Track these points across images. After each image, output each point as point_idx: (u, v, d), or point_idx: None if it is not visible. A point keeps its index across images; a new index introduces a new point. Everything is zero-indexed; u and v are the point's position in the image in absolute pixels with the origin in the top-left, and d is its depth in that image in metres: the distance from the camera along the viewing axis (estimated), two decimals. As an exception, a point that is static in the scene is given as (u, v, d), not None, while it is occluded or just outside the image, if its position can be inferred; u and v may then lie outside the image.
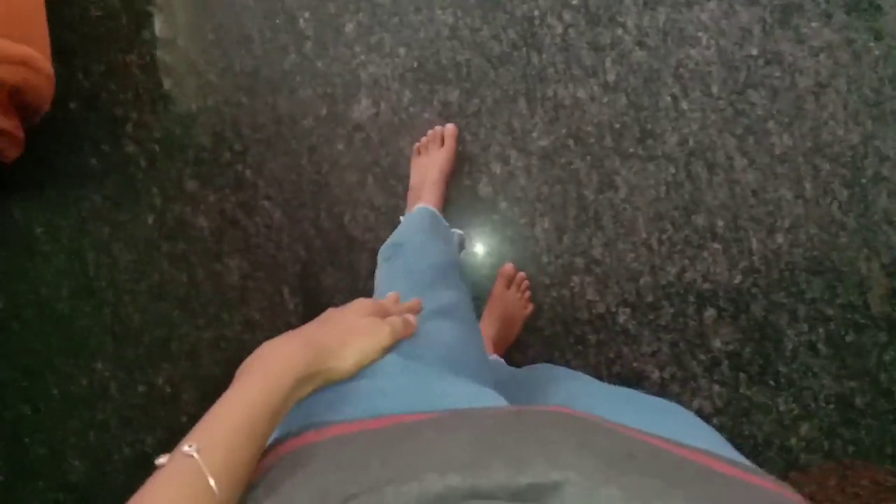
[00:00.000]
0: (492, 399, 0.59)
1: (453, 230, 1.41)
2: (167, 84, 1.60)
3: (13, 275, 1.66)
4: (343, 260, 1.54)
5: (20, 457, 1.67)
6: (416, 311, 0.70)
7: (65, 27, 1.60)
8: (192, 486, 0.39)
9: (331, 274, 1.54)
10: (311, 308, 1.55)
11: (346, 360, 0.56)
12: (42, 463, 1.66)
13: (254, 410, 0.45)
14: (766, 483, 0.41)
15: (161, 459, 0.47)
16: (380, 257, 0.99)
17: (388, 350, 0.60)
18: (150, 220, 1.60)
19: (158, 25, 1.61)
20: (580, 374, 0.88)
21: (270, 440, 0.50)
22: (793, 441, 1.39)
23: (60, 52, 1.51)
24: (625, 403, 0.67)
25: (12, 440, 1.67)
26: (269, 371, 0.49)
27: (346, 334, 0.58)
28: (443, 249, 1.03)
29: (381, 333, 0.60)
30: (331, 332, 0.57)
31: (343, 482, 0.37)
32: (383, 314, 0.64)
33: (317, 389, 0.54)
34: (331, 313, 0.62)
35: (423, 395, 0.57)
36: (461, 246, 1.45)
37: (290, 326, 1.56)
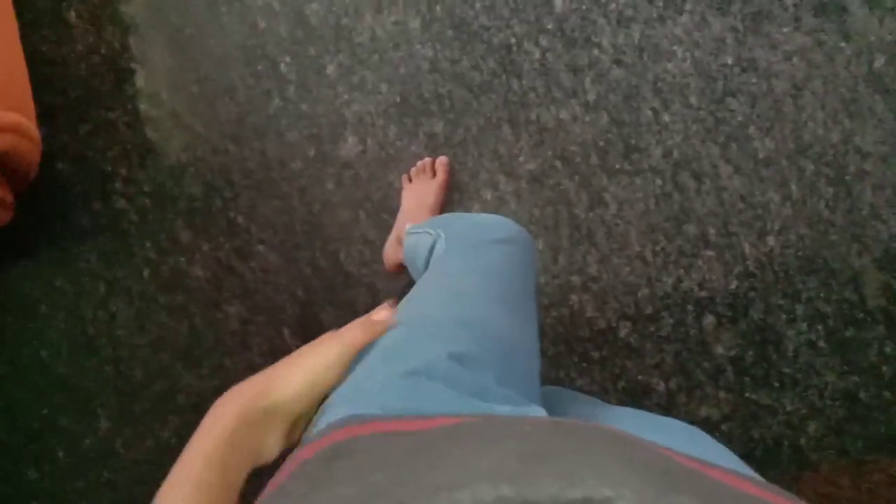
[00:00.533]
0: (532, 408, 0.58)
1: None
2: (154, 138, 1.61)
3: (13, 339, 1.65)
4: (341, 297, 1.54)
5: (30, 523, 1.65)
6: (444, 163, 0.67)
7: (47, 88, 1.61)
8: None
9: (330, 312, 1.55)
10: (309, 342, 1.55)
11: (290, 384, 0.54)
12: (53, 527, 1.64)
13: (197, 464, 0.47)
14: None
15: None
16: (413, 255, 0.97)
17: (344, 362, 0.58)
18: (146, 273, 1.60)
19: (142, 81, 1.62)
20: (592, 398, 0.88)
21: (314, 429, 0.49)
22: (802, 441, 1.39)
23: (45, 114, 1.52)
24: (643, 423, 0.67)
25: (21, 506, 1.65)
26: (214, 417, 0.50)
27: (292, 359, 0.57)
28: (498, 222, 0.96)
29: (326, 347, 0.58)
30: (278, 363, 0.56)
31: (392, 483, 0.36)
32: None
33: (277, 426, 0.53)
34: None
35: (462, 399, 0.55)
36: None
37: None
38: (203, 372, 1.58)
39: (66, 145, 1.64)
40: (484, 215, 1.03)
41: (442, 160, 1.47)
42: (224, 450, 0.47)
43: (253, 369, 1.55)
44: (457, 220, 0.95)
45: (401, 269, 1.40)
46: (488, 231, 0.88)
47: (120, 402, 1.62)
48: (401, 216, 1.47)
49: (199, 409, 1.56)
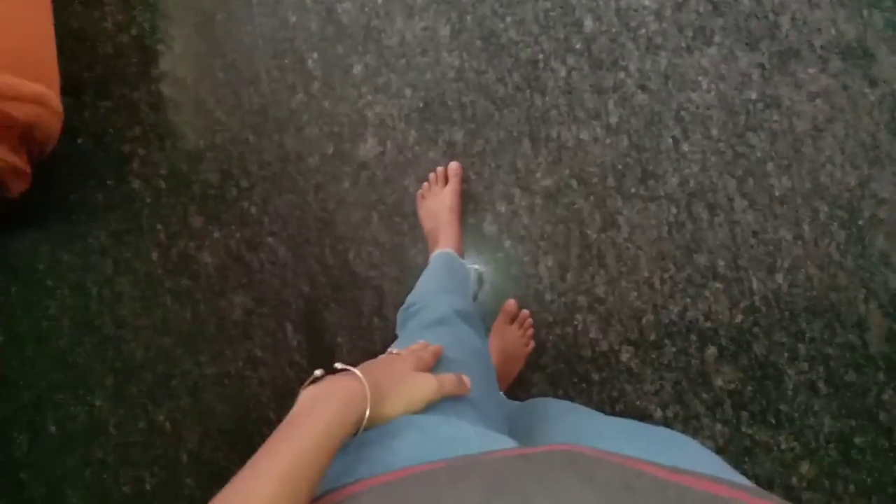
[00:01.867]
0: (500, 441, 0.60)
1: (471, 266, 1.43)
2: (175, 121, 1.62)
3: (15, 308, 1.65)
4: (347, 297, 1.54)
5: (16, 494, 1.64)
6: (438, 354, 0.74)
7: (74, 63, 1.62)
8: None
9: (334, 311, 1.55)
10: (313, 345, 1.55)
11: (395, 407, 0.59)
12: (39, 501, 1.64)
13: (330, 433, 0.48)
14: (771, 503, 0.42)
15: (318, 372, 0.56)
16: (398, 323, 1.04)
17: (430, 403, 0.63)
18: (155, 255, 1.60)
19: (168, 63, 1.63)
20: (581, 408, 0.89)
21: None
22: (794, 480, 1.39)
23: (69, 89, 1.52)
24: (627, 434, 0.68)
25: (9, 477, 1.65)
26: (342, 401, 0.52)
27: (399, 382, 0.61)
28: (449, 302, 1.04)
29: (429, 387, 0.63)
30: (387, 378, 0.60)
31: None
32: (426, 368, 0.67)
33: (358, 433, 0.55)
34: (385, 360, 0.66)
35: (432, 446, 0.57)
36: (480, 281, 1.47)
37: (293, 364, 1.56)
38: (202, 359, 1.58)
39: (88, 121, 1.64)
40: (425, 303, 1.13)
41: (453, 167, 1.48)
42: (320, 443, 0.48)
43: (252, 361, 1.55)
44: (408, 315, 1.04)
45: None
46: (428, 315, 0.99)
47: (116, 381, 1.62)
48: (425, 230, 1.48)
49: (195, 395, 1.56)
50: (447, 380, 0.66)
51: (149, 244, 1.61)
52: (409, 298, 1.08)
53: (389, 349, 0.74)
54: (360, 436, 0.56)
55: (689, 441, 0.65)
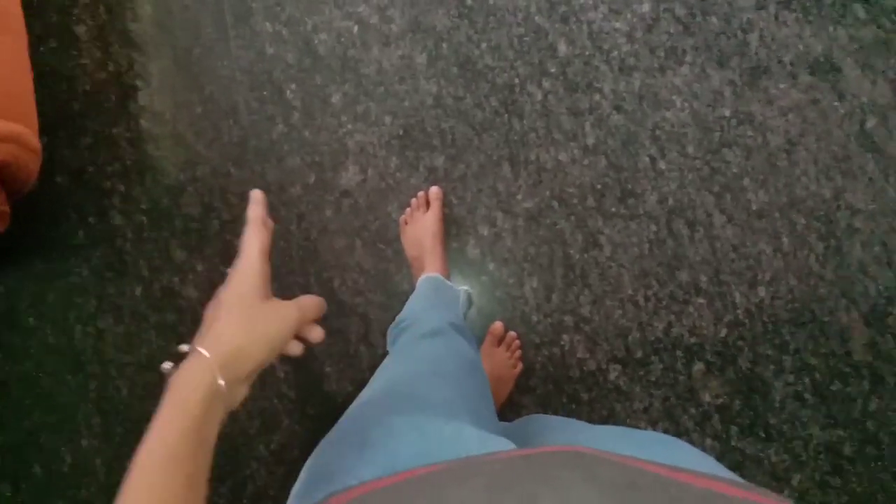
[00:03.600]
0: (500, 443, 0.60)
1: (459, 288, 1.43)
2: (154, 155, 1.61)
3: (-4, 350, 1.64)
4: (333, 325, 1.54)
5: (1, 540, 1.61)
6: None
7: (52, 100, 1.62)
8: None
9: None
10: (300, 376, 1.54)
11: (257, 356, 0.52)
12: (25, 545, 1.60)
13: (169, 446, 0.45)
14: (769, 500, 0.42)
15: (166, 365, 0.51)
16: (388, 340, 1.03)
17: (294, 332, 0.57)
18: (138, 291, 1.59)
19: (146, 98, 1.63)
20: (574, 420, 0.90)
21: None
22: (786, 492, 1.40)
23: (47, 126, 1.52)
24: (623, 438, 0.68)
25: (-8, 522, 1.62)
26: (175, 402, 0.48)
27: (249, 328, 0.53)
28: (441, 316, 1.05)
29: (289, 316, 0.56)
30: (234, 329, 0.52)
31: None
32: (264, 252, 0.59)
33: (237, 390, 0.52)
34: (222, 301, 0.55)
35: (433, 448, 0.57)
36: (469, 302, 1.47)
37: (281, 396, 1.55)
38: (188, 393, 1.56)
39: (67, 158, 1.64)
40: (417, 306, 1.13)
41: (433, 191, 1.49)
42: (195, 432, 0.46)
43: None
44: (399, 331, 1.04)
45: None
46: (420, 328, 0.98)
47: (103, 420, 1.59)
48: (409, 258, 1.49)
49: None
50: (306, 304, 0.59)
51: (132, 280, 1.60)
52: (400, 316, 1.08)
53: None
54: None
55: (683, 444, 0.65)
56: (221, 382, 0.49)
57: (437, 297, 1.24)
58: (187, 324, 1.58)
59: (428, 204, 1.49)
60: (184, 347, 0.52)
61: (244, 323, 0.53)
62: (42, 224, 1.63)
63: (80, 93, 1.65)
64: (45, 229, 1.63)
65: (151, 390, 1.58)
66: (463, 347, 0.92)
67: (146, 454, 0.45)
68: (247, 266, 0.56)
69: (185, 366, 0.50)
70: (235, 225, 1.58)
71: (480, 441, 0.60)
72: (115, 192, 1.62)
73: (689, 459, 0.58)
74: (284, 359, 1.51)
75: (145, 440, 0.46)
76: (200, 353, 0.50)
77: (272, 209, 1.56)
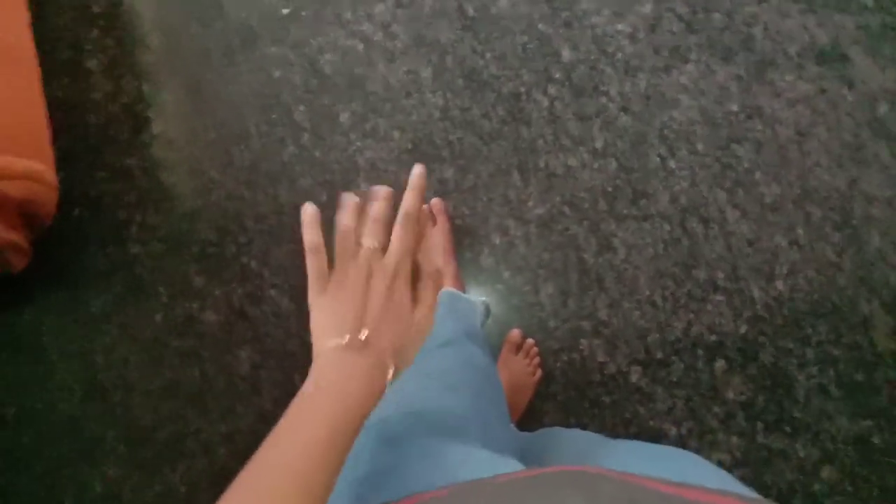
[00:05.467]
0: (509, 465, 0.60)
1: (476, 298, 1.43)
2: (169, 184, 1.64)
3: (23, 381, 1.66)
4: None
5: (37, 570, 1.63)
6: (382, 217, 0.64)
7: (66, 135, 1.65)
8: None
9: (341, 356, 1.55)
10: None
11: (411, 357, 0.55)
12: (60, 575, 1.62)
13: (343, 429, 0.45)
14: None
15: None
16: None
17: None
18: (159, 318, 1.61)
19: (158, 127, 1.65)
20: (586, 433, 0.89)
21: None
22: (816, 487, 1.38)
23: (62, 161, 1.54)
24: (634, 453, 0.68)
25: (28, 553, 1.64)
26: (362, 391, 0.48)
27: (407, 333, 0.56)
28: (454, 326, 1.04)
29: (429, 318, 0.58)
30: (400, 336, 0.55)
31: None
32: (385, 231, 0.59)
33: None
34: (385, 306, 0.57)
35: (439, 471, 0.57)
36: (487, 313, 1.47)
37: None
38: (213, 417, 1.58)
39: (83, 191, 1.66)
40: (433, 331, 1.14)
41: (435, 204, 1.49)
42: (330, 444, 0.46)
43: (263, 415, 1.55)
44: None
45: None
46: (433, 339, 0.96)
47: (129, 447, 1.61)
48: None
49: (208, 455, 1.55)
50: (430, 296, 0.60)
51: (152, 307, 1.61)
52: None
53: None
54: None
55: (697, 458, 0.65)
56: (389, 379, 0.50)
57: (454, 308, 1.24)
58: (208, 349, 1.59)
59: (433, 219, 1.49)
60: (363, 335, 0.52)
61: (406, 332, 0.56)
62: (61, 257, 1.65)
63: (94, 126, 1.68)
64: (64, 262, 1.65)
65: (175, 416, 1.59)
66: (476, 357, 0.92)
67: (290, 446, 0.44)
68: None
69: (369, 372, 0.50)
70: (251, 247, 1.59)
71: (489, 464, 0.60)
72: (133, 222, 1.64)
73: (701, 474, 0.57)
74: (302, 370, 1.51)
75: (307, 426, 0.45)
76: (385, 366, 0.52)
77: (286, 231, 1.57)
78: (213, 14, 1.65)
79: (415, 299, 0.59)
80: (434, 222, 1.48)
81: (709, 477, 0.58)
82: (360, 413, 0.48)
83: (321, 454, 0.44)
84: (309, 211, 0.62)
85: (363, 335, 0.53)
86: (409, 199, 0.61)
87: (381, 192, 0.62)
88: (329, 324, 0.55)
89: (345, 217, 0.61)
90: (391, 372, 0.51)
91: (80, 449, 1.63)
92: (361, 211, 0.62)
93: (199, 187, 1.62)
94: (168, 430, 1.60)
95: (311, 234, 0.60)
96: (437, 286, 0.63)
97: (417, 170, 0.61)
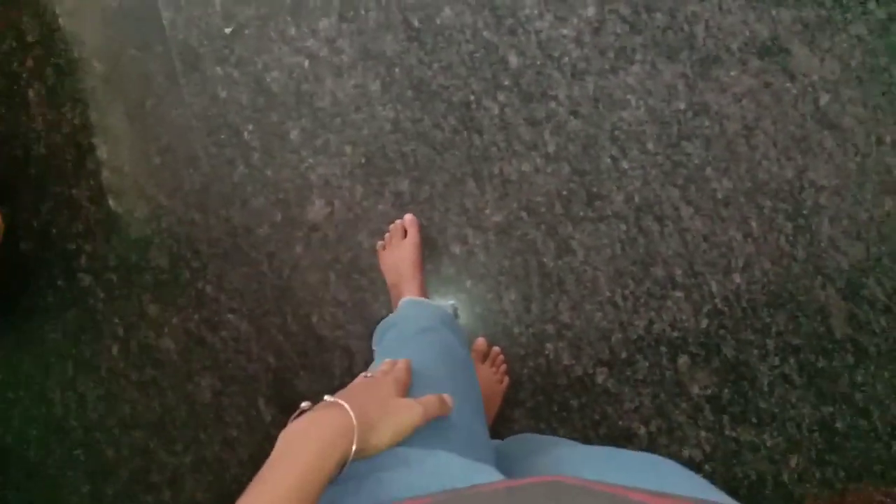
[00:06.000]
0: (485, 474, 0.60)
1: (444, 303, 1.43)
2: (118, 211, 1.60)
3: (-24, 427, 1.60)
4: (315, 362, 1.53)
5: None
6: (409, 368, 0.72)
7: (7, 168, 1.60)
8: None
9: (304, 378, 1.53)
10: (288, 417, 1.52)
11: (382, 438, 0.56)
12: None
13: (308, 477, 0.46)
14: None
15: (305, 404, 0.55)
16: (374, 339, 1.01)
17: (415, 429, 0.61)
18: (115, 350, 1.57)
19: (103, 155, 1.62)
20: (562, 440, 0.89)
21: None
22: (785, 476, 1.40)
23: (4, 194, 1.50)
24: (609, 462, 0.68)
25: None
26: (323, 440, 0.50)
27: (385, 411, 0.58)
28: (432, 313, 1.03)
29: (415, 414, 0.60)
30: (374, 408, 0.57)
31: None
32: (403, 389, 0.65)
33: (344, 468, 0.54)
34: (366, 385, 0.63)
35: (417, 480, 0.57)
36: (456, 316, 1.46)
37: (270, 439, 1.53)
38: (177, 448, 1.54)
39: (28, 224, 1.62)
40: (406, 311, 1.10)
41: (409, 218, 1.49)
42: (325, 481, 0.47)
43: (229, 442, 1.52)
44: (387, 328, 1.03)
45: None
46: (410, 325, 0.97)
47: (92, 485, 1.57)
48: (389, 284, 1.48)
49: (174, 487, 1.52)
50: (430, 403, 0.63)
51: (107, 339, 1.57)
52: (387, 318, 1.06)
53: (363, 373, 0.72)
54: (346, 470, 0.54)
55: (671, 464, 0.65)
56: (354, 447, 0.52)
57: (424, 307, 1.23)
58: (168, 378, 1.55)
59: (405, 231, 1.49)
60: (305, 405, 0.56)
61: (381, 407, 0.58)
62: (10, 293, 1.60)
63: (36, 156, 1.63)
64: (13, 298, 1.60)
65: (138, 449, 1.55)
66: (454, 347, 0.91)
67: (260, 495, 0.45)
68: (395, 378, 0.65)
69: (330, 419, 0.52)
70: (206, 272, 1.56)
71: (465, 472, 0.59)
72: (82, 253, 1.60)
73: (677, 482, 0.57)
74: (266, 393, 1.49)
75: (262, 481, 0.46)
76: (346, 410, 0.53)
77: (240, 253, 1.55)
78: (153, 37, 1.62)
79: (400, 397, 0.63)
80: (405, 235, 1.48)
81: (684, 483, 0.58)
82: (312, 475, 0.48)
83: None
84: None
85: (327, 398, 0.57)
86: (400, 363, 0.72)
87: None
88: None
89: None
90: (356, 428, 0.53)
91: (42, 491, 1.59)
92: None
93: (149, 214, 1.58)
94: (132, 465, 1.56)
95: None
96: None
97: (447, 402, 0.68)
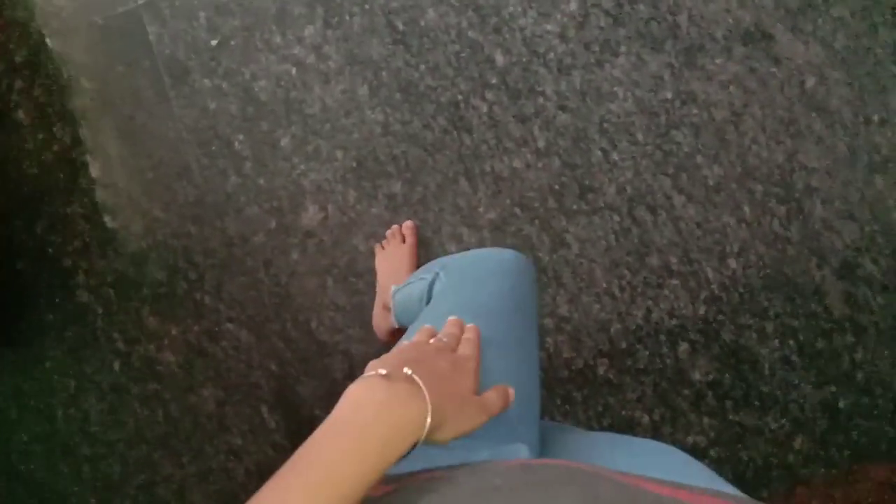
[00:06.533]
0: (512, 448, 0.59)
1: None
2: (113, 227, 1.60)
3: (-19, 448, 1.60)
4: (317, 367, 1.53)
5: None
6: (474, 340, 0.65)
7: (1, 190, 1.61)
8: None
9: (306, 384, 1.53)
10: (292, 423, 1.52)
11: (447, 435, 0.52)
12: None
13: (370, 462, 0.43)
14: None
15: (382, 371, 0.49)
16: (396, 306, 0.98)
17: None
18: (116, 365, 1.57)
19: (96, 171, 1.62)
20: (568, 427, 0.89)
21: None
22: (790, 457, 1.40)
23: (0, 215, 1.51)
24: (617, 449, 0.68)
25: None
26: (394, 428, 0.45)
27: (459, 410, 0.53)
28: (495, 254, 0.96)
29: (480, 419, 0.55)
30: (451, 403, 0.52)
31: None
32: (477, 381, 0.59)
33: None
34: (448, 368, 0.56)
35: (437, 453, 0.55)
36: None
37: (275, 446, 1.53)
38: (182, 460, 1.54)
39: (24, 243, 1.62)
40: (480, 250, 1.05)
41: (408, 225, 1.50)
42: (385, 468, 0.44)
43: (234, 451, 1.52)
44: (453, 259, 0.94)
45: (395, 336, 1.40)
46: (483, 265, 0.88)
47: (99, 500, 1.57)
48: (380, 284, 1.48)
49: (181, 499, 1.52)
50: (493, 404, 0.58)
51: (108, 355, 1.58)
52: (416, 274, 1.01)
53: (421, 325, 0.67)
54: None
55: (676, 451, 0.65)
56: (423, 433, 0.48)
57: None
58: (170, 391, 1.56)
59: (403, 237, 1.50)
60: (407, 371, 0.51)
61: (458, 407, 0.53)
62: (8, 314, 1.61)
63: (28, 176, 1.64)
64: (12, 318, 1.61)
65: (143, 463, 1.55)
66: (526, 297, 0.85)
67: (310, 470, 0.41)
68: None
69: (407, 406, 0.47)
70: (203, 283, 1.57)
71: (488, 449, 0.59)
72: (79, 270, 1.60)
73: (685, 470, 0.57)
74: (269, 400, 1.49)
75: (318, 450, 0.43)
76: (425, 401, 0.48)
77: (237, 262, 1.55)
78: (140, 53, 1.62)
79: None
80: (404, 240, 1.48)
81: (692, 471, 0.58)
82: (382, 458, 0.44)
83: (341, 481, 0.42)
84: None
85: (407, 370, 0.51)
86: (470, 331, 0.66)
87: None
88: (380, 363, 0.53)
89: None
90: (429, 409, 0.48)
91: (49, 510, 1.59)
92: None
93: (144, 228, 1.59)
94: (138, 480, 1.56)
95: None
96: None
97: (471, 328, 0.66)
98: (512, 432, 0.65)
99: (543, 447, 0.79)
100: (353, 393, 0.47)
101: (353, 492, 0.41)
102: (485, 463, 0.53)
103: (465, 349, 0.62)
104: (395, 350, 0.61)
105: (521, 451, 0.60)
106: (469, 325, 0.67)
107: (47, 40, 1.67)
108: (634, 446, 0.68)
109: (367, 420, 0.45)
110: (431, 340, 0.63)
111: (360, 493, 0.42)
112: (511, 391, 0.61)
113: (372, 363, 0.54)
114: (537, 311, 0.88)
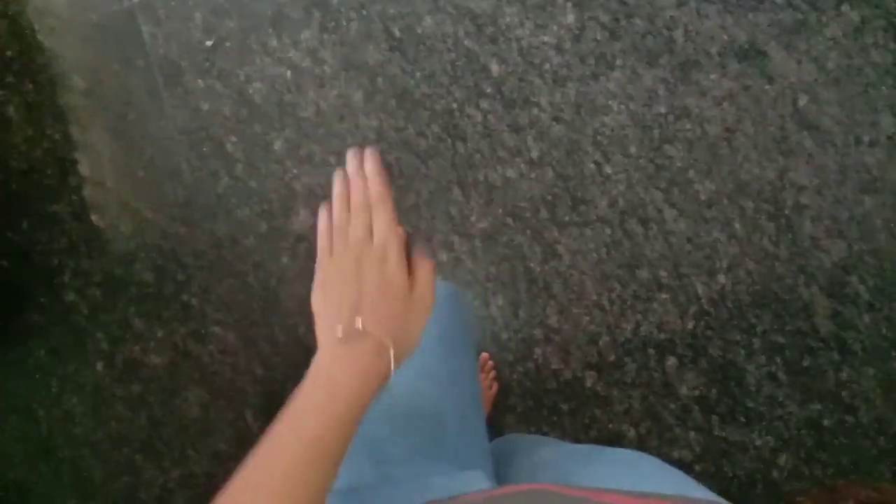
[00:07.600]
0: (468, 482, 0.59)
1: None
2: (101, 226, 1.59)
3: (-40, 448, 1.58)
4: (303, 372, 1.52)
5: None
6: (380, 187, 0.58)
7: (-13, 186, 1.59)
8: None
9: (292, 389, 1.52)
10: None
11: (411, 345, 0.53)
12: None
13: (322, 444, 0.46)
14: None
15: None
16: None
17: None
18: (100, 366, 1.56)
19: (86, 170, 1.61)
20: (545, 439, 0.89)
21: None
22: (775, 474, 1.41)
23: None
24: (590, 461, 0.68)
25: None
26: (363, 375, 0.49)
27: (410, 327, 0.54)
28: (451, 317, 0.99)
29: (427, 314, 0.55)
30: (401, 330, 0.53)
31: None
32: (403, 248, 0.56)
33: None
34: (379, 284, 0.54)
35: (399, 495, 0.57)
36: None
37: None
38: (165, 463, 1.53)
39: (10, 241, 1.60)
40: None
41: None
42: (354, 421, 0.48)
43: (218, 456, 1.51)
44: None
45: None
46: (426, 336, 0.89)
47: (80, 502, 1.55)
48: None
49: (163, 502, 1.50)
50: (423, 281, 0.56)
51: (92, 355, 1.56)
52: None
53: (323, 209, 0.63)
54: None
55: (651, 459, 0.65)
56: (393, 366, 0.51)
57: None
58: (155, 393, 1.54)
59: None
60: (359, 325, 0.51)
61: (403, 315, 0.53)
62: (-8, 311, 1.59)
63: (16, 173, 1.62)
64: (-4, 316, 1.59)
65: (126, 466, 1.53)
66: (460, 329, 0.86)
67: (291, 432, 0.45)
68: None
69: (367, 358, 0.50)
70: (191, 285, 1.55)
71: (447, 483, 0.59)
72: (65, 269, 1.59)
73: (658, 477, 0.58)
74: (254, 405, 1.48)
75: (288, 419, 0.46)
76: (388, 349, 0.51)
77: (226, 265, 1.54)
78: (134, 51, 1.61)
79: (410, 272, 0.55)
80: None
81: (666, 479, 0.59)
82: (355, 402, 0.48)
83: (307, 460, 0.45)
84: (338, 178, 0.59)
85: (358, 323, 0.52)
86: (375, 182, 0.57)
87: (345, 182, 0.60)
88: (325, 320, 0.55)
89: (323, 217, 0.60)
90: (392, 353, 0.51)
91: (27, 511, 1.56)
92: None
93: (133, 228, 1.58)
94: (120, 483, 1.55)
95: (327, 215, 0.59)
96: (412, 249, 0.58)
97: (366, 154, 0.58)
98: (457, 455, 0.66)
99: (511, 463, 0.79)
100: (322, 369, 0.52)
101: (341, 430, 0.47)
102: (449, 500, 0.53)
103: (378, 221, 0.57)
104: (324, 277, 0.58)
105: (477, 478, 0.60)
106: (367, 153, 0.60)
107: (40, 36, 1.66)
108: (607, 456, 0.69)
109: (342, 395, 0.49)
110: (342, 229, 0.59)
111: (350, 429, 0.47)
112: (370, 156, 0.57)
113: (318, 310, 0.55)
114: (469, 337, 0.88)
